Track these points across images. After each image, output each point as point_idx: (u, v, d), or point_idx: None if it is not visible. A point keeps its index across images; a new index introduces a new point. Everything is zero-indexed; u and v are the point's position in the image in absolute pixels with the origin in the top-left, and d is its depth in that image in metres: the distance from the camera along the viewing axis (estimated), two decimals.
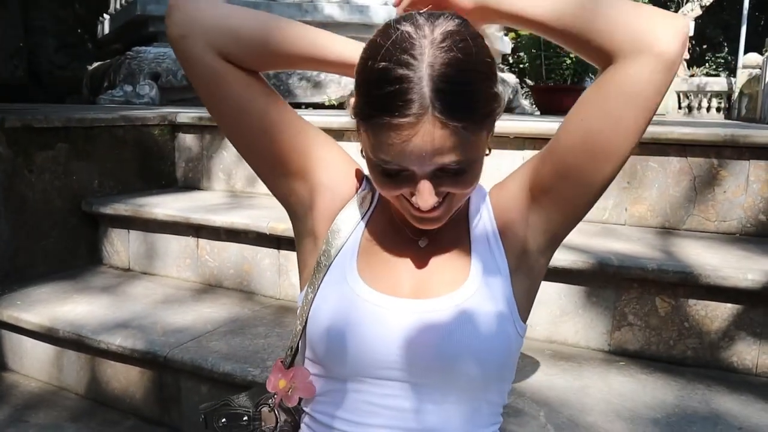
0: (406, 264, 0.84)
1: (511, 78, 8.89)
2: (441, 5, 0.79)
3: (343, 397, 0.83)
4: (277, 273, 1.87)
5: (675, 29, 0.71)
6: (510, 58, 7.88)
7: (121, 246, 2.16)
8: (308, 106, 5.89)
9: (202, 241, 1.97)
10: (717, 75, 16.35)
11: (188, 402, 1.51)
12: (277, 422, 0.90)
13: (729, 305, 1.38)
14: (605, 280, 1.46)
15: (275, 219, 1.81)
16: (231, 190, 2.38)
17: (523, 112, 8.45)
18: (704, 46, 18.61)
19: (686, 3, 16.06)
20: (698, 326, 1.41)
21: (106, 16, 7.41)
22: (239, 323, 1.67)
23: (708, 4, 15.84)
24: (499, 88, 0.76)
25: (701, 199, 1.74)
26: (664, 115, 14.87)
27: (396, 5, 0.84)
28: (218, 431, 0.95)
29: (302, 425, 0.90)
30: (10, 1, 7.77)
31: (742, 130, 1.74)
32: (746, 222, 1.71)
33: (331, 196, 0.88)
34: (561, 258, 1.44)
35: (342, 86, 5.98)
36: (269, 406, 0.91)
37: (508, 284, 0.84)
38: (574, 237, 1.29)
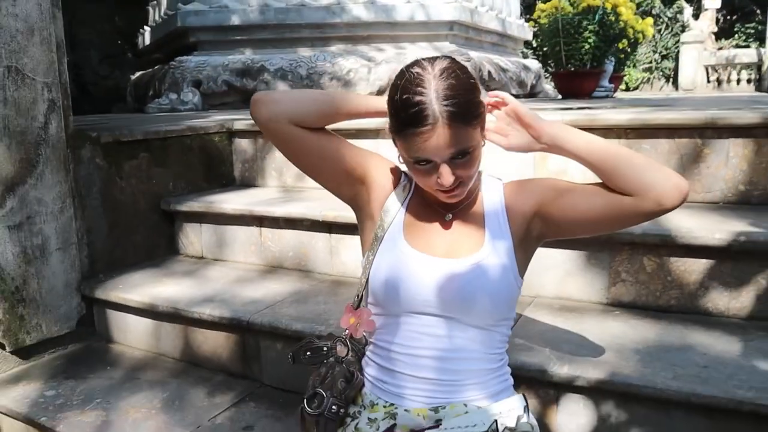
0: (437, 232, 1.20)
1: (534, 64, 9.07)
2: (526, 128, 1.17)
3: (396, 328, 1.19)
4: (329, 254, 2.22)
5: (679, 190, 1.07)
6: (534, 43, 8.03)
7: (194, 238, 2.54)
8: None
9: (265, 230, 2.34)
10: (747, 46, 16.12)
11: (266, 358, 1.88)
12: (348, 351, 1.25)
13: (703, 260, 1.68)
14: (601, 245, 1.77)
15: (326, 208, 2.17)
16: (283, 186, 2.75)
17: (546, 96, 8.64)
18: (734, 17, 18.34)
19: None
20: (679, 279, 1.71)
21: (147, 28, 7.86)
22: (302, 294, 2.03)
23: None
24: (484, 97, 1.13)
25: (688, 174, 2.03)
26: (692, 90, 14.80)
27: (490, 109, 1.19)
28: (304, 362, 1.30)
29: (367, 352, 1.25)
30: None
31: (721, 112, 2.02)
32: (727, 192, 2.00)
33: (381, 189, 1.25)
34: None
35: (370, 83, 6.31)
36: (342, 340, 1.26)
37: (511, 249, 1.19)
38: None
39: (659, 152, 2.06)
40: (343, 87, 6.20)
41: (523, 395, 1.21)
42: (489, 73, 6.93)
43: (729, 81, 14.89)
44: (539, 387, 1.44)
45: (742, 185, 1.98)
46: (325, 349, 1.27)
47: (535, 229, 1.20)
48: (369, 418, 1.19)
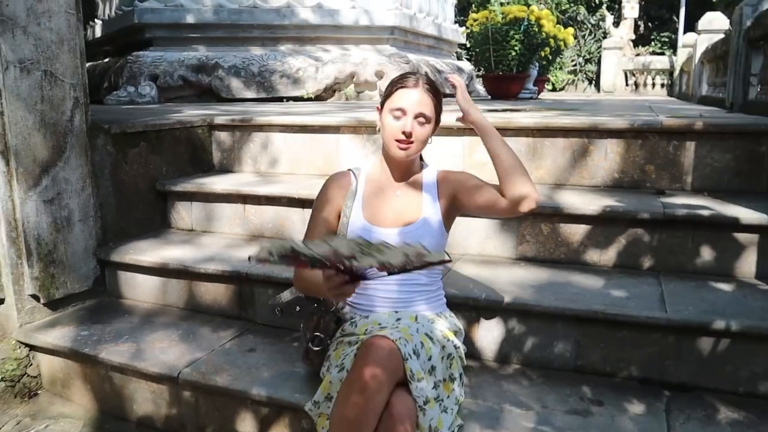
0: (389, 206, 1.79)
1: (466, 65, 9.81)
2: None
3: (364, 287, 1.76)
4: (302, 224, 2.76)
5: (535, 202, 1.71)
6: (467, 44, 8.64)
7: (185, 213, 3.03)
8: (289, 99, 6.74)
9: (248, 206, 2.86)
10: (662, 53, 17.49)
11: (259, 302, 2.42)
12: (335, 304, 1.81)
13: (582, 226, 2.34)
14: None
15: (300, 188, 2.72)
16: (257, 171, 3.27)
17: (478, 96, 9.32)
18: (650, 25, 19.78)
19: None
20: (566, 239, 2.37)
21: (97, 21, 8.08)
22: None
23: None
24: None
25: (578, 165, 2.70)
26: (612, 92, 15.97)
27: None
28: (293, 315, 1.86)
29: (346, 306, 1.83)
30: None
31: (602, 119, 2.70)
32: (606, 178, 2.68)
33: (339, 204, 1.84)
34: None
35: (318, 81, 6.84)
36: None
37: (439, 213, 1.80)
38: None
39: (557, 148, 2.72)
40: (293, 84, 6.70)
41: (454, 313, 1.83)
42: (426, 74, 7.51)
43: (645, 85, 16.12)
44: (466, 310, 2.04)
45: (616, 173, 2.66)
46: (315, 304, 1.83)
47: (452, 205, 1.84)
48: (351, 323, 1.77)
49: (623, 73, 16.14)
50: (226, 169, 3.34)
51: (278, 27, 6.97)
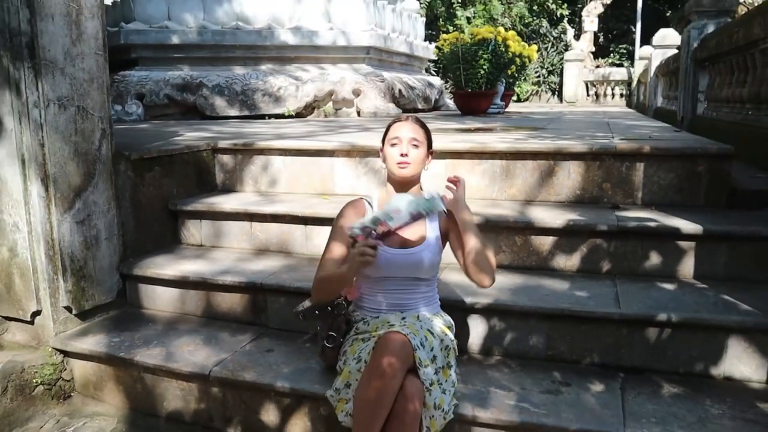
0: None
1: (437, 81, 10.27)
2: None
3: (372, 291, 2.12)
4: (305, 239, 3.12)
5: (489, 285, 2.09)
6: (437, 57, 9.04)
7: (195, 231, 3.35)
8: (271, 116, 7.07)
9: (255, 224, 3.20)
10: (621, 64, 18.28)
11: (272, 309, 2.75)
12: (345, 307, 2.16)
13: (550, 237, 2.74)
14: (490, 228, 2.79)
15: (303, 207, 3.07)
16: (258, 191, 3.60)
17: (448, 109, 9.78)
18: (609, 36, 20.62)
19: (590, 2, 17.92)
20: (537, 249, 2.77)
21: None
22: (290, 267, 2.92)
23: (607, 2, 17.68)
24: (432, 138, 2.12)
25: (546, 183, 3.11)
26: (574, 102, 16.63)
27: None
28: (312, 318, 2.20)
29: (359, 297, 2.18)
30: None
31: (565, 143, 3.12)
32: (570, 195, 3.09)
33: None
34: None
35: (298, 99, 7.19)
36: (340, 302, 2.17)
37: (438, 237, 2.15)
38: (475, 207, 2.65)
39: (527, 169, 3.12)
40: (274, 102, 7.04)
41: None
42: (399, 91, 7.99)
43: (605, 95, 16.84)
44: (454, 311, 2.40)
45: (578, 190, 3.08)
46: (329, 308, 2.17)
47: (444, 233, 2.19)
48: (363, 322, 2.13)
49: (584, 84, 16.84)
50: (228, 189, 3.66)
51: (259, 48, 7.30)
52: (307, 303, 2.30)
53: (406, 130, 2.12)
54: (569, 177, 3.07)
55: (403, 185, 2.17)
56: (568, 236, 2.71)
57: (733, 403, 2.05)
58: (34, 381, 2.64)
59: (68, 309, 2.79)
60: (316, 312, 2.22)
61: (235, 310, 2.84)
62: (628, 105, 15.05)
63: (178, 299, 2.95)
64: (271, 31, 7.26)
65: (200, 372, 2.39)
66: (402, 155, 2.09)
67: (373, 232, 1.92)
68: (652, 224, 2.60)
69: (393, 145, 2.12)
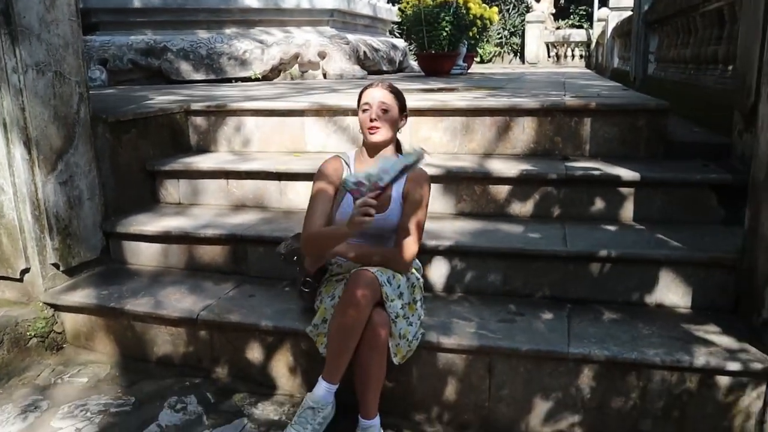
0: None
1: (401, 43, 10.37)
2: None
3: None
4: (279, 194, 3.31)
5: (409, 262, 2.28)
6: (401, 19, 9.14)
7: (173, 189, 3.51)
8: (237, 80, 7.14)
9: (231, 181, 3.37)
10: (581, 26, 18.56)
11: (251, 259, 2.96)
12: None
13: (506, 186, 2.99)
14: (452, 179, 3.03)
15: (277, 164, 3.26)
16: (232, 151, 3.76)
17: (412, 71, 9.93)
18: None
19: None
20: (494, 197, 3.02)
21: None
22: (267, 220, 3.12)
23: None
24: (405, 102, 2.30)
25: (502, 138, 3.35)
26: (536, 64, 16.89)
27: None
28: (292, 263, 2.41)
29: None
30: None
31: (519, 100, 3.35)
32: (524, 148, 3.34)
33: (335, 184, 2.32)
34: (429, 172, 2.98)
35: (264, 62, 7.26)
36: None
37: (401, 199, 2.33)
38: (438, 161, 2.90)
39: (486, 125, 3.35)
40: (240, 66, 7.10)
41: None
42: (364, 53, 8.11)
43: (566, 56, 17.14)
44: (420, 254, 2.61)
45: (532, 144, 3.33)
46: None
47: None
48: (337, 265, 2.35)
49: (545, 46, 17.10)
50: (203, 149, 3.81)
51: (223, 11, 7.31)
52: (288, 242, 2.51)
53: (375, 96, 2.26)
54: (524, 132, 3.31)
55: (375, 149, 2.31)
56: (522, 185, 2.96)
57: (662, 325, 2.36)
58: (28, 334, 2.81)
59: (56, 266, 2.94)
60: (295, 258, 2.43)
61: (216, 261, 3.03)
62: (588, 66, 15.38)
63: (161, 254, 3.13)
64: None
65: (188, 316, 2.60)
66: (371, 120, 2.24)
67: (362, 189, 1.99)
68: (596, 173, 2.87)
69: (364, 110, 2.26)
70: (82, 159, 3.00)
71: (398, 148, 2.41)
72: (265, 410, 2.43)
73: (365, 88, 2.33)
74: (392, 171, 2.01)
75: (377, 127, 2.25)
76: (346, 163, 2.37)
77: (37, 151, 2.79)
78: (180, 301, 2.72)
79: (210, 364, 2.67)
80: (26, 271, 2.91)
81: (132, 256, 3.20)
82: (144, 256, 3.17)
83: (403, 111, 2.36)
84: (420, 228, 2.26)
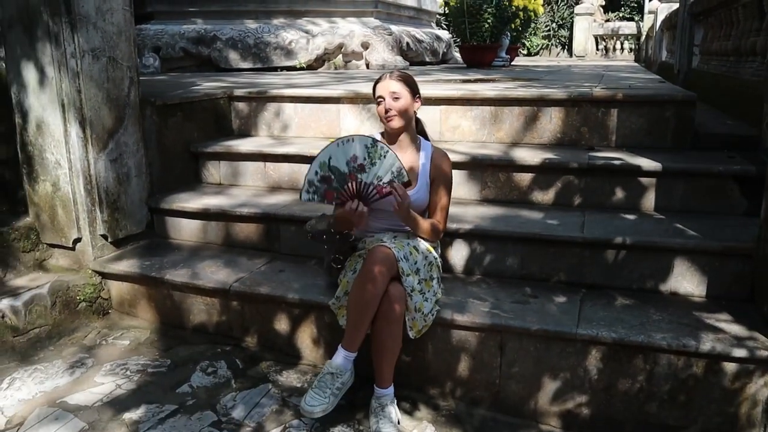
0: None
1: (445, 34, 10.41)
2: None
3: (372, 220, 2.44)
4: None
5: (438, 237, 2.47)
6: (445, 10, 9.17)
7: (214, 171, 3.71)
8: (283, 69, 7.35)
9: (268, 164, 3.55)
10: (631, 18, 18.14)
11: (283, 237, 3.13)
12: (353, 236, 2.49)
13: (529, 174, 3.07)
14: (477, 166, 3.13)
15: (311, 148, 3.41)
16: (271, 135, 3.94)
17: (456, 63, 9.96)
18: None
19: None
20: (518, 185, 3.10)
21: None
22: (299, 201, 3.27)
23: None
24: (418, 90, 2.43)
25: (530, 127, 3.42)
26: (583, 56, 16.62)
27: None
28: (320, 241, 2.54)
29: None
30: None
31: (548, 91, 3.42)
32: (551, 138, 3.41)
33: None
34: (455, 158, 3.09)
35: (309, 52, 7.45)
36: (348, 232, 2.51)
37: (428, 182, 2.47)
38: (466, 148, 3.02)
39: (514, 114, 3.43)
40: (286, 55, 7.31)
41: None
42: (407, 44, 8.21)
43: (615, 49, 16.80)
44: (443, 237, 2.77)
45: (558, 134, 3.39)
46: (338, 236, 2.49)
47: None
48: (362, 242, 2.49)
49: (594, 39, 16.80)
50: (244, 133, 4.01)
51: (271, 1, 7.53)
52: (314, 222, 2.65)
53: (385, 87, 2.41)
54: (551, 121, 3.38)
55: (396, 134, 2.48)
56: (544, 173, 3.04)
57: (673, 311, 2.41)
58: (78, 298, 3.06)
59: (104, 237, 3.18)
60: (324, 236, 2.55)
61: (251, 238, 3.22)
62: (637, 60, 15.07)
63: (201, 230, 3.33)
64: None
65: (222, 287, 2.78)
66: (387, 111, 2.40)
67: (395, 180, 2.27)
68: (617, 162, 2.92)
69: (379, 102, 2.42)
70: (130, 139, 3.22)
71: (420, 129, 2.58)
72: (289, 378, 2.59)
73: (376, 82, 2.46)
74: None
75: (393, 115, 2.40)
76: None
77: (91, 130, 3.02)
78: (215, 274, 2.91)
79: (240, 333, 2.86)
80: (78, 240, 3.15)
81: (174, 231, 3.41)
82: (185, 231, 3.38)
83: (416, 94, 2.48)
84: (448, 206, 2.54)
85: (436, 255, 2.52)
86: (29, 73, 3.00)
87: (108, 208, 3.15)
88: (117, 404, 2.38)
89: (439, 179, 2.48)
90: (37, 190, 3.16)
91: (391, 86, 2.41)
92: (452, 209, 2.95)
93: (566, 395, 2.35)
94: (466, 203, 3.14)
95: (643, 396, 2.27)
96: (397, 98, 2.39)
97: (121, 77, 3.14)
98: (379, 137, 2.51)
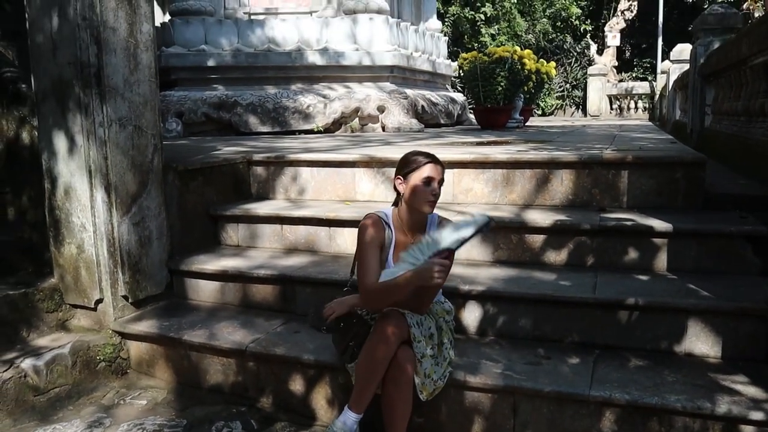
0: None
1: (459, 96, 10.67)
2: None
3: None
4: (329, 239, 3.55)
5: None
6: (462, 81, 9.45)
7: (233, 233, 3.81)
8: (301, 132, 7.56)
9: (285, 226, 3.64)
10: (645, 78, 18.46)
11: (300, 298, 3.18)
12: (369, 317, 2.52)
13: (541, 236, 3.11)
14: (491, 229, 3.18)
15: (327, 211, 3.50)
16: (288, 199, 4.05)
17: (470, 125, 10.16)
18: (635, 51, 20.80)
19: (612, 17, 18.17)
20: (530, 246, 3.15)
21: None
22: (316, 262, 3.35)
23: (630, 18, 17.92)
24: None
25: (541, 189, 3.49)
26: (598, 116, 16.84)
27: None
28: (335, 330, 2.56)
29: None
30: None
31: (559, 153, 3.50)
32: (563, 200, 3.46)
33: (380, 243, 2.44)
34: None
35: (326, 115, 7.67)
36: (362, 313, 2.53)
37: None
38: (478, 210, 3.08)
39: (526, 177, 3.51)
40: (304, 119, 7.53)
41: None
42: (422, 107, 8.42)
43: (629, 108, 17.03)
44: (454, 297, 2.79)
45: (570, 196, 3.45)
46: (354, 320, 2.51)
47: None
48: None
49: (608, 98, 17.06)
50: (262, 196, 4.12)
51: (290, 68, 7.82)
52: (312, 317, 2.65)
53: (438, 172, 2.36)
54: (562, 184, 3.45)
55: (421, 219, 2.45)
56: (556, 234, 3.09)
57: (687, 373, 2.40)
58: (98, 357, 3.11)
59: (125, 298, 3.26)
60: (341, 324, 2.51)
61: (267, 299, 3.27)
62: (651, 119, 15.23)
63: (219, 291, 3.40)
64: (301, 53, 7.78)
65: (238, 348, 2.83)
66: (434, 195, 2.35)
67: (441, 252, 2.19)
68: (629, 223, 2.96)
69: (426, 183, 2.33)
70: (153, 203, 3.34)
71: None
72: None
73: (427, 162, 2.36)
74: (464, 236, 2.21)
75: (435, 203, 2.38)
76: (387, 225, 2.47)
77: (115, 195, 3.14)
78: (232, 334, 2.96)
79: (255, 393, 2.87)
80: (100, 301, 3.23)
81: (192, 292, 3.48)
82: (203, 292, 3.45)
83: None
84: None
85: (449, 318, 2.55)
86: (59, 142, 3.15)
87: (129, 270, 3.24)
88: None
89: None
90: (62, 252, 3.27)
91: (441, 171, 2.37)
92: (465, 270, 3.01)
93: None
94: (478, 265, 3.18)
95: None
96: (441, 185, 2.39)
97: (145, 144, 3.28)
98: (390, 212, 2.52)
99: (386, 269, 2.31)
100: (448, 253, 2.20)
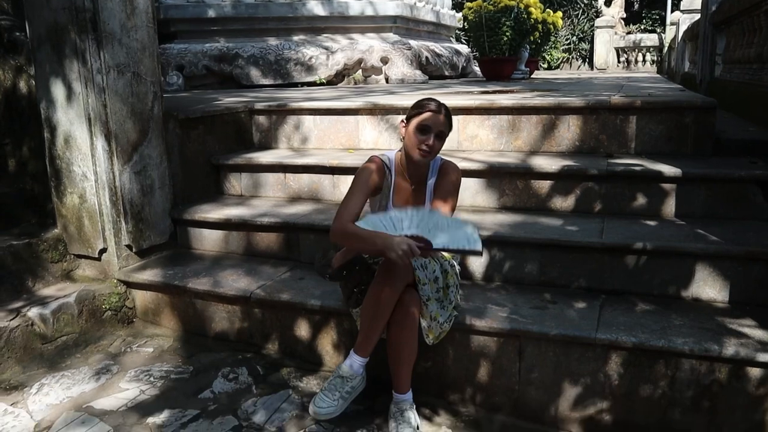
0: (405, 201, 2.46)
1: (464, 48, 10.46)
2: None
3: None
4: (333, 187, 3.51)
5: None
6: (464, 25, 9.21)
7: (235, 182, 3.77)
8: (303, 84, 7.45)
9: (288, 175, 3.60)
10: (653, 30, 18.07)
11: (303, 245, 3.16)
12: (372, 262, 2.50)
13: (548, 181, 3.07)
14: (495, 174, 3.14)
15: (330, 159, 3.46)
16: (291, 147, 4.00)
17: (475, 76, 9.98)
18: (643, 2, 20.30)
19: None
20: (536, 192, 3.10)
21: None
22: (319, 210, 3.32)
23: None
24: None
25: (548, 136, 3.43)
26: (605, 69, 16.55)
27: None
28: (340, 278, 2.52)
29: None
30: None
31: (565, 99, 3.43)
32: (570, 146, 3.40)
33: (378, 185, 2.42)
34: (473, 167, 3.11)
35: (329, 67, 7.53)
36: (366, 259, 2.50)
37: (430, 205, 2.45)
38: (483, 157, 3.03)
39: (532, 123, 3.44)
40: (306, 71, 7.40)
41: None
42: (427, 58, 8.26)
43: (636, 62, 16.72)
44: None
45: (577, 142, 3.39)
46: (358, 266, 2.45)
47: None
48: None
49: (615, 51, 16.74)
50: (264, 146, 4.07)
51: (291, 19, 7.65)
52: (320, 261, 2.58)
53: (437, 123, 2.28)
54: (569, 129, 3.38)
55: (417, 166, 2.39)
56: (563, 180, 3.04)
57: (695, 316, 2.39)
58: (104, 306, 3.12)
59: (129, 247, 3.25)
60: (344, 273, 2.49)
61: (272, 247, 3.26)
62: (659, 71, 14.97)
63: (223, 240, 3.38)
64: (302, 2, 7.60)
65: (243, 295, 2.82)
66: (427, 145, 2.29)
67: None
68: (637, 169, 2.91)
69: (421, 131, 2.28)
70: (154, 151, 3.30)
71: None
72: (309, 384, 2.61)
73: (427, 110, 2.31)
74: (449, 245, 2.16)
75: (428, 153, 2.31)
76: (388, 169, 2.45)
77: (116, 143, 3.10)
78: (236, 282, 2.95)
79: (261, 340, 2.88)
80: (104, 251, 3.22)
81: (196, 241, 3.47)
82: (207, 241, 3.43)
83: (449, 134, 2.40)
84: (452, 212, 2.38)
85: (454, 262, 2.52)
86: (57, 90, 3.09)
87: (132, 219, 3.22)
88: (141, 409, 2.41)
89: (445, 183, 2.40)
90: (64, 202, 3.25)
91: (442, 125, 2.31)
92: (470, 216, 2.98)
93: (587, 401, 2.33)
94: (484, 211, 3.15)
95: (665, 402, 2.25)
96: (440, 138, 2.32)
97: (145, 92, 3.22)
98: (393, 155, 2.50)
99: (372, 215, 2.27)
100: (425, 245, 2.11)
